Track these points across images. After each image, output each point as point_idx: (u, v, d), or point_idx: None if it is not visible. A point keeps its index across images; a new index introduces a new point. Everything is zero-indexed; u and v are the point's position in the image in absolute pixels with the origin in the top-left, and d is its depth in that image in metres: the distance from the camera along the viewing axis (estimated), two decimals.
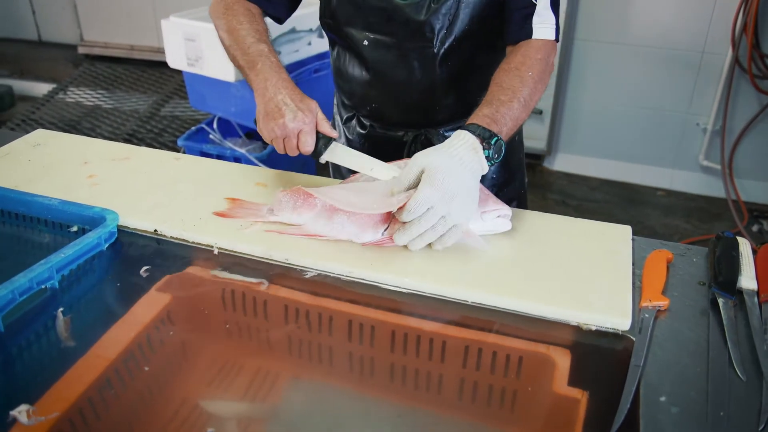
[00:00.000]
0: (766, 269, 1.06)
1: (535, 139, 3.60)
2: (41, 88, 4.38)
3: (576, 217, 1.22)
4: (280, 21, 1.43)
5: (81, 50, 4.70)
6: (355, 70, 1.42)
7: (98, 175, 1.33)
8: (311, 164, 3.17)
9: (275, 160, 2.89)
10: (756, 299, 1.00)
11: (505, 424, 0.89)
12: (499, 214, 1.12)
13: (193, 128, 3.11)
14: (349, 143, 1.55)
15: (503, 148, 1.12)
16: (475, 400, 0.91)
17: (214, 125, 3.04)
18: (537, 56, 1.22)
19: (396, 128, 1.48)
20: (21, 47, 4.91)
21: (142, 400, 0.88)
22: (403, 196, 1.06)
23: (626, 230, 1.17)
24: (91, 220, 1.15)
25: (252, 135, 3.14)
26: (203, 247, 1.14)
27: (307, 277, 1.07)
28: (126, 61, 4.60)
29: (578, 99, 3.61)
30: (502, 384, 0.92)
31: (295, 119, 1.15)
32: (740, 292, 1.02)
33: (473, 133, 1.10)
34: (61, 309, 0.99)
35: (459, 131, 1.11)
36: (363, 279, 1.06)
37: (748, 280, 1.03)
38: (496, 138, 1.10)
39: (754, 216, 3.42)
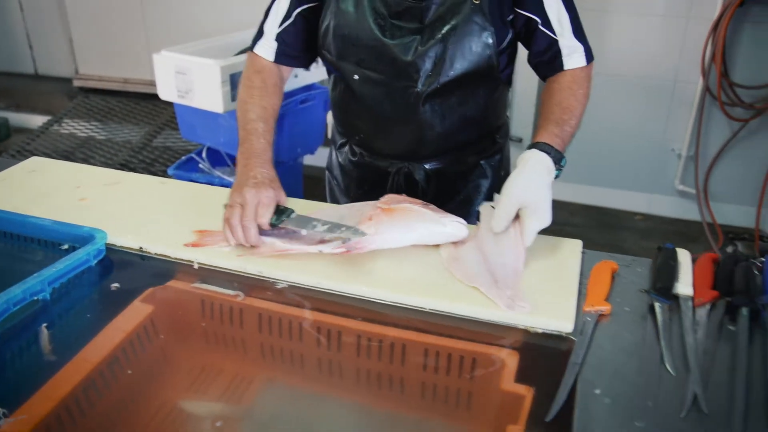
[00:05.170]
0: (702, 277, 1.15)
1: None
2: (37, 120, 4.48)
3: None
4: (306, 68, 1.56)
5: (76, 83, 4.81)
6: (346, 101, 1.51)
7: (89, 198, 1.42)
8: (298, 189, 3.27)
9: None
10: (690, 303, 1.09)
11: (461, 420, 0.97)
12: (455, 220, 1.23)
13: (183, 158, 3.21)
14: (342, 168, 1.65)
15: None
16: (435, 399, 1.00)
17: (203, 155, 3.14)
18: (581, 74, 1.37)
19: (381, 159, 1.56)
20: (18, 80, 5.03)
21: (125, 402, 0.95)
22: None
23: (577, 244, 1.26)
24: (81, 238, 1.24)
25: None
26: (184, 262, 1.23)
27: (279, 288, 1.16)
28: (120, 94, 4.71)
29: None
30: (457, 384, 1.00)
31: (260, 193, 1.23)
32: (678, 297, 1.12)
33: (548, 154, 1.22)
34: (45, 324, 1.07)
35: (537, 152, 1.22)
36: (330, 289, 1.15)
37: (684, 287, 1.13)
38: (564, 160, 1.25)
39: (730, 238, 3.51)
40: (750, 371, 0.96)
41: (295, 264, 1.20)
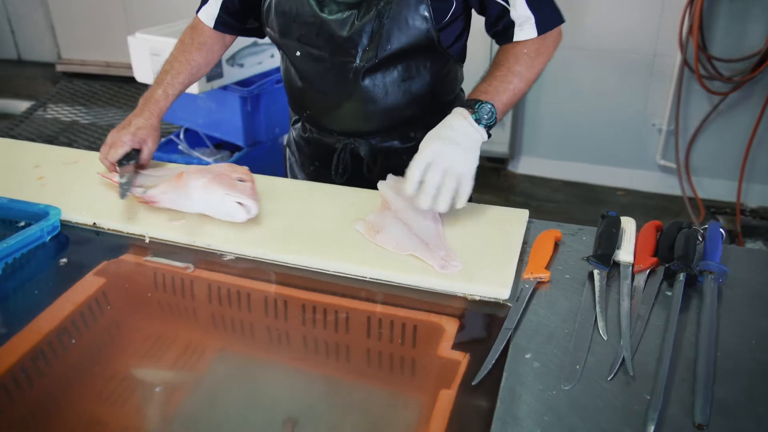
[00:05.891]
0: (644, 244, 1.17)
1: (497, 143, 3.72)
2: (20, 106, 4.48)
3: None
4: (254, 36, 1.61)
5: (59, 68, 4.82)
6: (292, 78, 1.53)
7: (47, 176, 1.44)
8: (280, 168, 3.27)
9: None
10: (630, 270, 1.11)
11: (402, 386, 1.00)
12: (240, 201, 1.22)
13: (162, 140, 3.21)
14: (297, 144, 1.67)
15: (493, 112, 1.27)
16: (380, 366, 1.03)
17: (181, 136, 3.15)
18: (533, 46, 1.37)
19: (328, 135, 1.57)
20: (1, 66, 5.02)
21: (76, 371, 0.98)
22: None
23: (523, 213, 1.28)
24: (36, 215, 1.26)
25: (221, 145, 3.25)
26: (136, 236, 1.25)
27: (226, 260, 1.19)
28: (103, 78, 4.71)
29: (538, 103, 3.73)
30: (400, 351, 1.03)
31: (119, 135, 1.39)
32: (619, 264, 1.13)
33: (463, 104, 1.27)
34: None
35: (457, 114, 1.26)
36: (276, 260, 1.18)
37: (625, 254, 1.14)
38: (479, 103, 1.26)
39: (711, 212, 3.53)
40: (680, 335, 0.98)
41: (242, 236, 1.22)
